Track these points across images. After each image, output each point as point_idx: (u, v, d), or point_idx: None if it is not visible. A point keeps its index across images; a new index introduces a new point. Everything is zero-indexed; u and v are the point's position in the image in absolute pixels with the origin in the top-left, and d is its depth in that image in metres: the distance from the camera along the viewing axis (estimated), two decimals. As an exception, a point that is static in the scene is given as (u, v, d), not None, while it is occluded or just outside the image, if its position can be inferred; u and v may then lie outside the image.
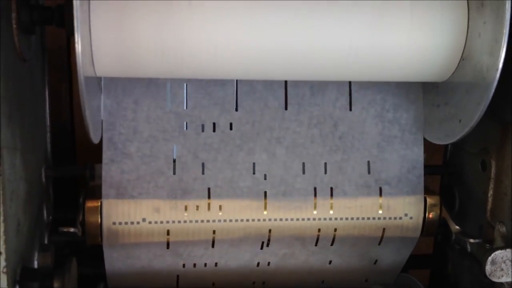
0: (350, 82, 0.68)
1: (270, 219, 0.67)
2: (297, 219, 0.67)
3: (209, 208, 0.66)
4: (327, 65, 0.58)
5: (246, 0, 0.55)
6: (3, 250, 0.48)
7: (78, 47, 0.46)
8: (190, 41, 0.54)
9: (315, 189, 0.67)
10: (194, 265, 0.70)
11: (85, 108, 0.50)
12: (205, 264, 0.70)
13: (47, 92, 0.66)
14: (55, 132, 0.68)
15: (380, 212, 0.68)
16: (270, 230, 0.67)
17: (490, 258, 0.60)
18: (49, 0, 0.63)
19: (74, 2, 0.46)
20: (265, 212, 0.67)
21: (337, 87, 0.68)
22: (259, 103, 0.67)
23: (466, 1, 0.58)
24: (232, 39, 0.55)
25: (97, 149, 0.64)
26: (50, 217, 0.67)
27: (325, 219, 0.68)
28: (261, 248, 0.69)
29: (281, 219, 0.67)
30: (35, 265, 0.59)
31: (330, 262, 0.73)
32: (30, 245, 0.58)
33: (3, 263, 0.48)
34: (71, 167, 0.75)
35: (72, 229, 0.62)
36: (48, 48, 0.65)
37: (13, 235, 0.51)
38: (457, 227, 0.69)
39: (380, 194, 0.68)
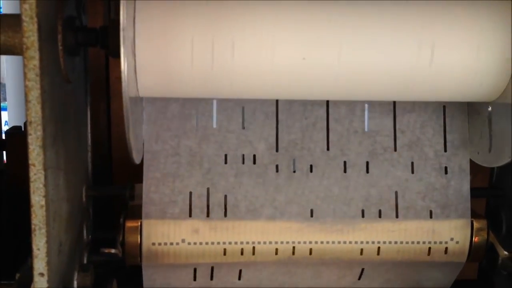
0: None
1: (311, 242, 0.66)
2: (339, 242, 0.66)
3: (248, 230, 0.65)
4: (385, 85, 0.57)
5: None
6: (45, 272, 0.48)
7: (124, 67, 0.46)
8: (235, 61, 0.54)
9: (362, 211, 0.66)
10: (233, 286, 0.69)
11: (128, 130, 0.50)
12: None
13: (89, 112, 0.66)
14: (93, 151, 0.68)
15: (425, 236, 0.67)
16: (311, 252, 0.66)
17: (542, 286, 0.58)
18: (91, 21, 0.64)
19: (121, 25, 0.46)
20: (307, 234, 0.65)
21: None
22: None
23: None
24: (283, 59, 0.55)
25: (134, 169, 0.64)
26: (90, 237, 0.67)
27: (367, 242, 0.66)
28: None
29: (322, 242, 0.66)
30: (75, 285, 0.59)
31: (372, 286, 0.71)
32: (70, 266, 0.58)
33: (45, 285, 0.48)
34: (111, 187, 0.74)
35: (113, 250, 0.62)
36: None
37: (55, 255, 0.51)
38: (506, 252, 0.67)
39: (425, 218, 0.67)
